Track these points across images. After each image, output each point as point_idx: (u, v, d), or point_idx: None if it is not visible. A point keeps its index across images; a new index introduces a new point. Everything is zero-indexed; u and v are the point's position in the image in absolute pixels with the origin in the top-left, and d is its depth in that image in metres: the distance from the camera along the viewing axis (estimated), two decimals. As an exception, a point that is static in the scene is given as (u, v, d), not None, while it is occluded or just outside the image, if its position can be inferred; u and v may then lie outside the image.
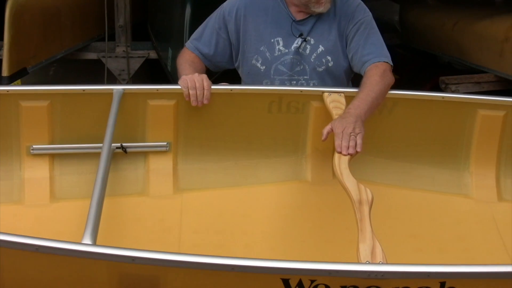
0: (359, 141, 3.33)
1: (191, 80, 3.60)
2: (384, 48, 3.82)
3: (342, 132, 3.33)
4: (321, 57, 3.86)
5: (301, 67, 3.87)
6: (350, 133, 3.33)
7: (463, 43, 7.92)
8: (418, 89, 3.79)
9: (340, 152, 3.31)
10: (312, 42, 3.85)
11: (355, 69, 3.90)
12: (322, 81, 3.89)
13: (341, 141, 3.33)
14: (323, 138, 3.42)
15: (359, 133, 3.35)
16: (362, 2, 3.94)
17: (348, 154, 3.28)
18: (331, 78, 3.91)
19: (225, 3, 3.99)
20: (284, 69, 3.87)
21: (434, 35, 8.69)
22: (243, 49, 3.93)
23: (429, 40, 8.85)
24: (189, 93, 3.57)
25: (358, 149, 3.31)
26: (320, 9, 3.75)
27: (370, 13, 3.91)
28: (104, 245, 2.78)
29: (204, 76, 3.64)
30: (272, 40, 3.85)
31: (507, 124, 3.83)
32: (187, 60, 3.93)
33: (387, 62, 3.73)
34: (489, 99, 3.86)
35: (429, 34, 8.86)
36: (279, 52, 3.85)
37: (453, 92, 6.99)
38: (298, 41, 3.84)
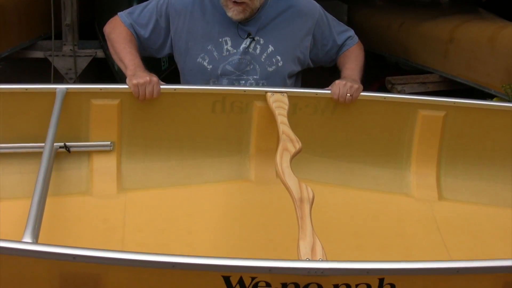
0: (355, 94, 3.75)
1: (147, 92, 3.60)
2: (348, 29, 4.16)
3: (340, 84, 3.75)
4: (271, 57, 3.89)
5: (251, 66, 3.89)
6: (348, 84, 3.75)
7: (409, 43, 8.03)
8: (366, 89, 3.82)
9: (337, 99, 3.73)
10: (261, 42, 3.87)
11: (327, 61, 4.14)
12: (272, 81, 3.92)
13: (339, 90, 3.71)
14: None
15: (357, 88, 3.77)
16: None
17: (344, 101, 3.72)
18: (280, 78, 3.96)
19: None
20: (232, 69, 3.89)
21: (381, 35, 8.78)
22: (186, 46, 3.91)
23: (377, 40, 8.92)
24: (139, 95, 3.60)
25: (353, 99, 3.74)
26: (229, 14, 3.78)
27: (317, 4, 4.06)
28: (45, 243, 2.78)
29: (155, 82, 3.61)
30: (220, 40, 3.86)
31: (447, 124, 3.90)
32: (125, 38, 3.85)
33: (358, 40, 4.16)
34: (429, 99, 3.92)
35: (376, 34, 8.94)
36: (227, 52, 3.86)
37: (399, 92, 7.08)
38: (247, 41, 3.86)
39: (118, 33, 3.87)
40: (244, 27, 3.86)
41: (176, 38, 3.92)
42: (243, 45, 3.85)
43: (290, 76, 3.99)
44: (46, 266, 2.64)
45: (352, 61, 4.02)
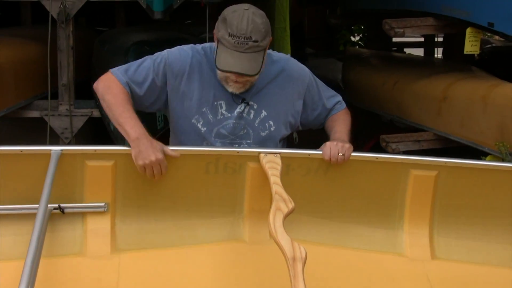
0: (347, 153, 3.76)
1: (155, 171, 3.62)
2: (336, 94, 4.22)
3: (331, 145, 3.78)
4: (264, 122, 3.92)
5: (245, 131, 3.91)
6: (339, 144, 3.78)
7: (403, 102, 8.08)
8: (360, 147, 3.87)
9: (329, 160, 3.74)
10: (255, 107, 3.89)
11: (316, 124, 4.18)
12: (264, 145, 3.93)
13: (330, 150, 3.73)
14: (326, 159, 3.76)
15: (349, 147, 3.78)
16: (296, 61, 4.10)
17: (337, 161, 3.75)
18: (272, 143, 3.98)
19: (169, 53, 3.90)
20: (226, 133, 3.91)
21: (375, 93, 8.85)
22: (182, 107, 3.90)
23: (371, 98, 8.99)
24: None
25: (346, 159, 3.75)
26: (230, 89, 3.80)
27: (307, 68, 4.12)
28: None
29: (161, 160, 3.61)
30: (216, 103, 3.87)
31: (438, 184, 3.91)
32: (123, 100, 3.72)
33: (345, 106, 4.21)
34: (421, 159, 3.95)
35: (370, 92, 9.02)
36: (222, 116, 3.87)
37: (393, 150, 7.11)
38: (241, 106, 3.87)
39: (114, 93, 3.75)
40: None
41: (172, 97, 3.90)
42: (237, 110, 3.87)
43: (281, 140, 4.03)
44: None
45: (341, 124, 4.06)
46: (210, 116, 3.87)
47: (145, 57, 3.90)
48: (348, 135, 3.98)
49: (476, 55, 10.96)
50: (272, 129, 3.94)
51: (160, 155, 3.58)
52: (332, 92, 4.22)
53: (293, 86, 3.99)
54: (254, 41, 3.63)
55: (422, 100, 7.64)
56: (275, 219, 3.22)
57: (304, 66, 4.11)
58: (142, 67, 3.84)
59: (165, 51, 3.91)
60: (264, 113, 3.91)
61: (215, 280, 3.63)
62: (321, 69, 12.20)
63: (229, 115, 3.88)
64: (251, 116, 3.90)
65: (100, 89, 3.80)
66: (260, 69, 3.70)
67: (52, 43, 7.52)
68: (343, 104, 4.20)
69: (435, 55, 12.09)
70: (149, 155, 3.56)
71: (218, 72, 3.77)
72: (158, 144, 3.62)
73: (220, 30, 3.71)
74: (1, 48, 7.20)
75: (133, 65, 3.86)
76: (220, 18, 3.75)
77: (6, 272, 3.45)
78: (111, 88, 3.77)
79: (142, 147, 3.58)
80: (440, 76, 7.83)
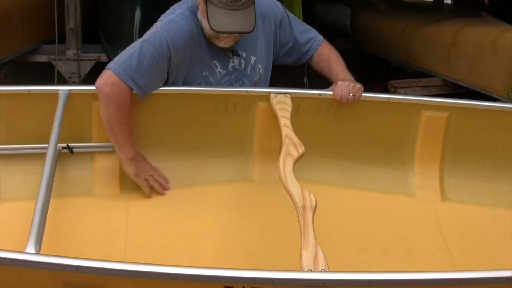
0: (358, 94, 3.77)
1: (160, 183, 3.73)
2: (311, 29, 4.09)
3: (342, 85, 3.77)
4: (254, 68, 3.87)
5: (240, 82, 3.86)
6: (350, 84, 3.77)
7: (411, 47, 8.04)
8: (369, 92, 3.83)
9: (340, 100, 3.74)
10: (244, 55, 3.82)
11: (291, 60, 4.07)
12: None
13: (341, 90, 3.73)
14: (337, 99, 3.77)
15: (360, 87, 3.78)
16: None
17: (347, 102, 3.75)
18: (263, 84, 3.96)
19: (166, 33, 3.57)
20: None
21: (384, 39, 8.80)
22: (185, 77, 3.74)
23: (380, 44, 8.94)
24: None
25: (356, 99, 3.76)
26: (221, 44, 3.68)
27: (278, 2, 4.01)
28: (48, 251, 2.82)
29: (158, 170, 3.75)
30: (212, 64, 3.77)
31: (450, 125, 3.90)
32: (127, 115, 3.58)
33: (323, 39, 4.08)
34: (433, 100, 3.93)
35: (379, 38, 8.96)
36: (220, 75, 3.80)
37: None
38: (233, 59, 3.80)
39: (119, 104, 3.53)
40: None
41: (176, 71, 3.70)
42: (231, 64, 3.80)
43: (267, 80, 4.00)
44: (49, 276, 2.66)
45: (338, 64, 4.00)
46: (211, 79, 3.79)
47: (140, 43, 3.58)
48: (348, 72, 3.95)
49: (486, 0, 10.88)
50: (261, 71, 3.90)
51: (155, 169, 3.73)
52: (306, 26, 4.11)
53: (269, 23, 3.91)
54: None
55: (431, 46, 7.59)
56: (285, 165, 3.20)
57: (277, 2, 4.01)
58: (144, 58, 3.54)
59: (159, 31, 3.60)
60: (253, 58, 3.85)
61: (223, 221, 3.64)
62: (330, 14, 12.13)
63: (224, 71, 3.80)
64: (243, 65, 3.83)
65: (104, 93, 3.54)
66: (255, 23, 3.60)
67: (59, -13, 7.45)
68: (320, 37, 4.08)
69: (445, 0, 11.98)
70: (148, 170, 3.69)
71: (209, 31, 3.62)
72: (145, 163, 3.73)
73: None
74: (8, -8, 7.16)
75: (132, 58, 3.53)
76: None
77: (18, 211, 3.47)
78: (117, 97, 3.54)
79: (138, 163, 3.67)
80: (449, 21, 7.77)
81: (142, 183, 3.67)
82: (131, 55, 3.53)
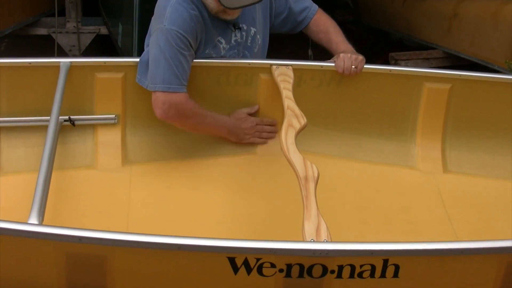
0: (360, 66, 3.76)
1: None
2: None
3: (344, 57, 3.75)
4: (254, 39, 3.86)
5: (241, 54, 3.84)
6: (352, 56, 3.75)
7: (412, 19, 8.00)
8: (370, 65, 3.81)
9: (342, 72, 3.74)
10: (245, 27, 3.80)
11: (286, 29, 4.06)
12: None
13: (343, 63, 3.72)
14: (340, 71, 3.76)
15: (362, 59, 3.78)
16: None
17: (350, 73, 3.74)
18: (261, 55, 3.96)
19: (171, 27, 3.48)
20: None
21: (384, 11, 8.76)
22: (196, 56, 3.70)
23: (380, 16, 8.90)
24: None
25: (358, 71, 3.76)
26: (228, 17, 3.65)
27: None
28: (51, 223, 2.82)
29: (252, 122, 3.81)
30: (216, 41, 3.74)
31: (452, 97, 3.89)
32: (200, 114, 3.64)
33: (319, 8, 4.05)
34: (435, 72, 3.91)
35: (380, 10, 8.92)
36: (224, 50, 3.77)
37: (402, 68, 7.04)
38: (236, 33, 3.77)
39: (187, 112, 3.58)
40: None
41: (199, 46, 3.68)
42: (234, 38, 3.77)
43: (265, 50, 4.00)
44: (52, 247, 2.67)
45: (337, 35, 3.97)
46: (214, 56, 3.74)
47: (160, 51, 3.49)
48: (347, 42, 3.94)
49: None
50: (259, 42, 3.89)
51: (253, 120, 3.79)
52: (304, 1, 4.06)
53: None
54: None
55: (432, 18, 7.55)
56: (287, 136, 3.21)
57: None
58: (172, 61, 3.49)
59: (167, 28, 3.50)
60: (252, 29, 3.83)
61: (225, 193, 3.65)
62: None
63: (228, 46, 3.77)
64: (244, 38, 3.81)
65: (172, 117, 3.56)
66: None
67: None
68: (315, 6, 4.05)
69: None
70: (248, 130, 3.81)
71: (216, 8, 3.58)
72: (239, 116, 3.78)
73: None
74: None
75: (164, 67, 3.48)
76: None
77: (20, 184, 3.48)
78: (182, 110, 3.56)
79: (238, 131, 3.78)
80: (451, -8, 7.72)
81: (251, 141, 3.82)
82: (162, 67, 3.48)
